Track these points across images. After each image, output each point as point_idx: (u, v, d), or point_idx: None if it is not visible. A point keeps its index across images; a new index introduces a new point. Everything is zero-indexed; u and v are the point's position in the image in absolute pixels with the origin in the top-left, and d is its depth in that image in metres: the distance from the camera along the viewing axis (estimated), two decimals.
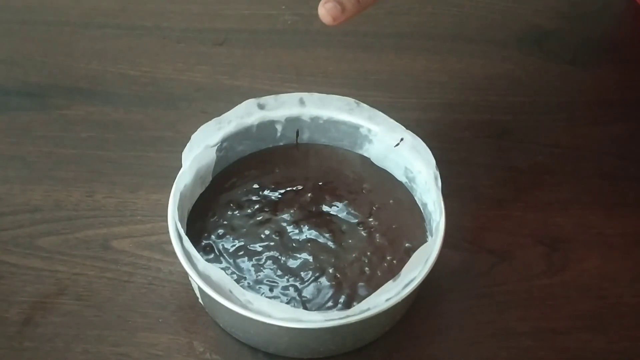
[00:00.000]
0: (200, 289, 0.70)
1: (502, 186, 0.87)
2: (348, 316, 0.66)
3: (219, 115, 0.78)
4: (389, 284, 0.67)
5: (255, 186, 0.79)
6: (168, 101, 0.94)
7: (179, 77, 0.97)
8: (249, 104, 0.78)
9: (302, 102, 0.80)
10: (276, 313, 0.66)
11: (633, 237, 0.82)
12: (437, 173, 0.75)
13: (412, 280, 0.69)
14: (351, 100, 0.79)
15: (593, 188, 0.86)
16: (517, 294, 0.78)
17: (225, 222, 0.76)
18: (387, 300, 0.67)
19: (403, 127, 0.78)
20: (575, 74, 0.97)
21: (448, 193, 0.74)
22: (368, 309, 0.67)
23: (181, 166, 0.75)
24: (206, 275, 0.68)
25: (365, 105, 0.80)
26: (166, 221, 0.72)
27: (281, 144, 0.82)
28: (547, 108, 0.94)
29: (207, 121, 0.77)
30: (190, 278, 0.71)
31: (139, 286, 0.78)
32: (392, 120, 0.79)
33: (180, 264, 0.70)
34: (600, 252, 0.81)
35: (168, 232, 0.71)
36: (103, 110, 0.93)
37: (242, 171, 0.80)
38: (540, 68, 0.98)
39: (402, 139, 0.78)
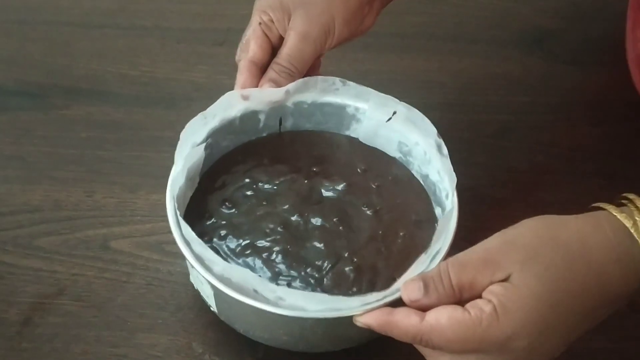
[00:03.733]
0: (216, 295, 0.68)
1: (502, 186, 0.87)
2: (386, 297, 0.64)
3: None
4: (421, 257, 0.66)
5: (247, 181, 0.76)
6: (168, 101, 0.94)
7: (179, 77, 0.97)
8: (232, 95, 0.76)
9: (286, 90, 0.76)
10: (312, 305, 0.64)
11: None
12: (441, 140, 0.74)
13: (438, 252, 0.68)
14: (336, 79, 0.78)
15: (593, 188, 0.86)
16: None
17: (224, 222, 0.73)
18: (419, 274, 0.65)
19: (396, 99, 0.77)
20: (576, 74, 0.97)
21: None
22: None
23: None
24: (226, 278, 0.65)
25: (352, 83, 0.78)
26: (165, 221, 0.71)
27: (264, 134, 0.79)
28: (547, 108, 0.94)
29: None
30: (198, 285, 0.70)
31: (138, 287, 0.78)
32: (382, 95, 0.77)
33: (180, 264, 0.69)
34: None
35: (167, 232, 0.71)
36: (103, 110, 0.93)
37: (230, 167, 0.77)
38: (541, 68, 0.98)
39: (394, 113, 0.77)
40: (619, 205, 0.63)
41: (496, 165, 0.89)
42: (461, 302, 0.60)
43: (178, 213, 0.69)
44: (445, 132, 0.90)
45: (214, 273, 0.66)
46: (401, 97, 0.93)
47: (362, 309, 0.63)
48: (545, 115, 0.93)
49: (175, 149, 0.76)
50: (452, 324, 0.59)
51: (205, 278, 0.66)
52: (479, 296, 0.60)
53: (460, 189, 0.83)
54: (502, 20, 1.03)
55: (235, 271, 0.65)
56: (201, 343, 0.75)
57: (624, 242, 0.61)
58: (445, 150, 0.74)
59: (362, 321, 0.63)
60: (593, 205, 0.65)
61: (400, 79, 0.96)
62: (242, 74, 0.75)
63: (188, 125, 0.73)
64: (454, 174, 0.72)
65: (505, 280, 0.59)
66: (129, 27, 1.02)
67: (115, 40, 1.01)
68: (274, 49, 0.76)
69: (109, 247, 0.81)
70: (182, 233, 0.68)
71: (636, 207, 0.62)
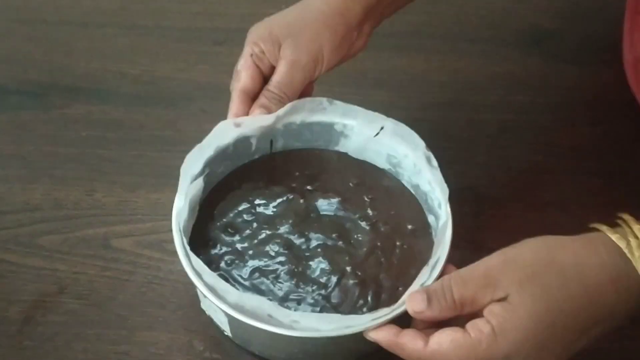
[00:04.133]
0: (231, 321, 0.69)
1: (502, 186, 0.87)
2: (394, 310, 0.66)
3: (219, 114, 0.78)
4: (424, 270, 0.69)
5: (246, 205, 0.77)
6: (168, 100, 0.94)
7: (179, 77, 0.97)
8: (226, 124, 0.77)
9: (277, 115, 0.77)
10: (326, 325, 0.66)
11: None
12: (429, 153, 0.76)
13: (437, 262, 0.69)
14: (323, 99, 0.79)
15: (592, 188, 0.86)
16: None
17: (229, 249, 0.74)
18: (421, 285, 0.68)
19: (383, 115, 0.78)
20: (575, 74, 0.97)
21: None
22: None
23: (179, 167, 0.74)
24: (240, 306, 0.67)
25: (338, 102, 0.79)
26: (166, 220, 0.72)
27: (256, 157, 0.80)
28: (547, 108, 0.94)
29: (207, 120, 0.77)
30: (211, 313, 0.71)
31: (139, 285, 0.78)
32: (370, 112, 0.79)
33: (180, 263, 0.70)
34: None
35: (168, 231, 0.71)
36: (103, 109, 0.93)
37: (226, 193, 0.78)
38: (540, 68, 0.98)
39: (382, 128, 0.78)
40: (613, 225, 0.66)
41: (495, 165, 0.89)
42: (462, 315, 0.64)
43: (187, 246, 0.70)
44: (444, 131, 0.91)
45: (228, 302, 0.67)
46: (400, 96, 0.94)
47: (373, 323, 0.66)
48: (545, 115, 0.93)
49: (175, 148, 0.77)
50: (454, 347, 0.62)
51: (219, 307, 0.67)
52: (479, 310, 0.63)
53: (460, 189, 0.84)
54: (501, 20, 1.03)
55: (249, 299, 0.66)
56: (202, 341, 0.75)
57: (619, 262, 0.63)
58: (434, 162, 0.75)
59: (373, 336, 0.66)
60: (590, 225, 0.67)
61: (400, 78, 0.96)
62: (234, 103, 0.77)
63: (187, 159, 0.74)
64: (445, 185, 0.74)
65: (504, 299, 0.62)
66: (130, 27, 1.02)
67: (116, 39, 1.01)
68: (265, 78, 0.78)
69: (110, 246, 0.81)
70: (192, 265, 0.69)
71: (630, 227, 0.65)
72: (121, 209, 0.84)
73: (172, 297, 0.77)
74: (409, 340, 0.64)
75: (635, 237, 0.64)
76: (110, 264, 0.80)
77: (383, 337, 0.65)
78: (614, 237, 0.64)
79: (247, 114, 0.76)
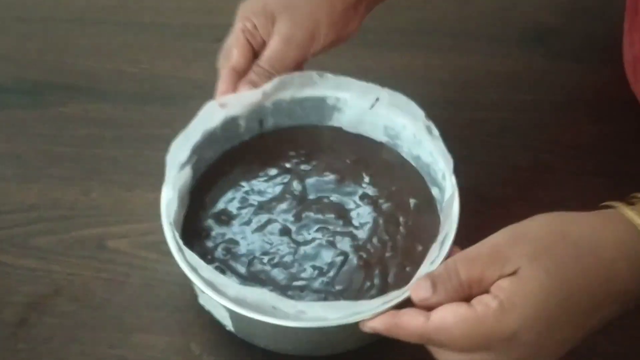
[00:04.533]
0: (233, 316, 0.67)
1: (503, 184, 0.86)
2: (404, 292, 0.64)
3: None
4: (433, 247, 0.67)
5: (238, 190, 0.75)
6: (166, 98, 0.94)
7: (177, 74, 0.96)
8: (211, 106, 0.75)
9: (264, 91, 0.76)
10: (333, 314, 0.63)
11: None
12: (430, 123, 0.74)
13: (446, 237, 0.68)
14: (313, 73, 0.77)
15: (595, 186, 0.86)
16: None
17: (224, 238, 0.73)
18: (431, 263, 0.66)
19: (378, 86, 0.77)
20: (577, 72, 0.97)
21: None
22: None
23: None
24: (241, 300, 0.65)
25: (329, 74, 0.77)
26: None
27: (246, 138, 0.78)
28: (549, 106, 0.94)
29: None
30: (210, 308, 0.69)
31: (136, 287, 0.78)
32: (363, 83, 0.77)
33: (177, 264, 0.69)
34: None
35: (164, 232, 0.70)
36: (100, 108, 0.93)
37: (217, 179, 0.76)
38: (542, 65, 0.98)
39: (377, 99, 0.77)
40: (629, 203, 0.64)
41: (497, 163, 0.88)
42: (470, 297, 0.60)
43: (179, 240, 0.68)
44: (445, 129, 0.89)
45: (229, 296, 0.65)
46: (402, 93, 0.93)
47: (383, 308, 0.63)
48: (547, 113, 0.93)
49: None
50: (458, 322, 0.59)
51: (219, 302, 0.65)
52: (488, 290, 0.60)
53: (461, 187, 0.83)
54: (503, 17, 1.03)
55: (251, 292, 0.64)
56: (199, 343, 0.74)
57: (633, 239, 0.61)
58: (435, 131, 0.74)
59: (370, 326, 0.63)
60: (604, 203, 0.65)
61: (401, 76, 0.96)
62: (223, 82, 0.74)
63: (172, 147, 0.72)
64: (448, 155, 0.72)
65: (513, 273, 0.59)
66: (127, 24, 1.02)
67: (113, 37, 1.01)
68: (256, 56, 0.76)
69: (106, 247, 0.80)
70: (186, 259, 0.67)
71: None
72: (117, 209, 0.83)
73: (169, 299, 0.77)
74: (409, 318, 0.61)
75: None
76: (106, 265, 0.79)
77: (381, 322, 0.62)
78: (630, 213, 0.62)
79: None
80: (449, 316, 0.59)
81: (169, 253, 0.70)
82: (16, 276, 0.78)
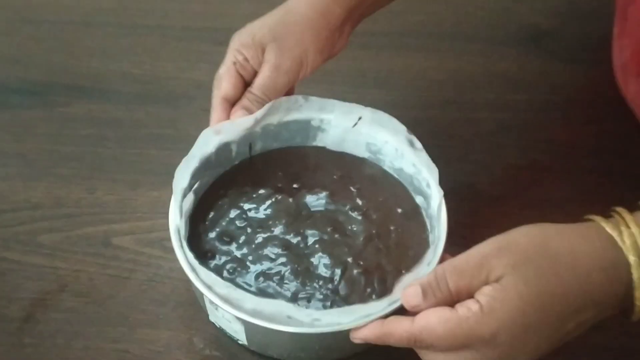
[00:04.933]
0: (248, 329, 0.69)
1: (500, 183, 0.87)
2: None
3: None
4: (428, 252, 0.70)
5: (236, 212, 0.77)
6: (169, 99, 0.94)
7: (180, 75, 0.97)
8: (207, 133, 0.76)
9: (255, 118, 0.78)
10: (347, 318, 0.66)
11: None
12: (412, 136, 0.77)
13: (439, 241, 0.71)
14: (299, 97, 0.80)
15: (590, 185, 0.87)
16: None
17: (228, 258, 0.74)
18: (428, 264, 0.69)
19: (361, 106, 0.79)
20: (572, 72, 0.98)
21: (446, 190, 0.74)
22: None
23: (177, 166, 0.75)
24: (258, 312, 0.67)
25: (314, 97, 0.80)
26: (166, 218, 0.72)
27: (236, 162, 0.81)
28: (545, 106, 0.94)
29: (207, 119, 0.78)
30: (222, 323, 0.71)
31: (140, 283, 0.79)
32: (347, 104, 0.80)
33: (179, 260, 0.70)
34: None
35: (168, 229, 0.72)
36: (104, 108, 0.93)
37: (214, 203, 0.78)
38: (538, 66, 0.99)
39: (360, 118, 0.79)
40: (607, 217, 0.66)
41: (493, 163, 0.89)
42: (456, 303, 0.64)
43: (194, 260, 0.69)
44: (443, 129, 0.91)
45: (246, 310, 0.67)
46: (399, 95, 0.94)
47: (390, 308, 0.67)
48: (542, 113, 0.93)
49: (176, 147, 0.77)
50: (441, 322, 0.62)
51: (235, 316, 0.68)
52: (472, 296, 0.63)
53: (458, 186, 0.84)
54: (499, 19, 1.04)
55: (267, 303, 0.66)
56: (202, 338, 0.75)
57: (610, 250, 0.64)
58: (418, 144, 0.77)
59: (360, 336, 0.66)
60: (584, 217, 0.67)
61: (398, 77, 0.97)
62: (216, 111, 0.77)
63: (176, 173, 0.73)
64: (433, 165, 0.75)
65: (497, 280, 0.62)
66: (131, 26, 1.03)
67: (117, 38, 1.01)
68: (247, 84, 0.78)
69: (110, 244, 0.81)
70: (201, 278, 0.69)
71: (622, 218, 0.65)
72: (122, 207, 0.84)
73: (172, 295, 0.78)
74: (396, 324, 0.64)
75: (627, 226, 0.64)
76: (110, 262, 0.80)
77: (370, 332, 0.66)
78: (607, 226, 0.65)
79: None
80: (433, 317, 0.62)
81: (172, 250, 0.71)
82: (22, 273, 0.79)
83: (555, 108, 0.94)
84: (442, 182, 0.75)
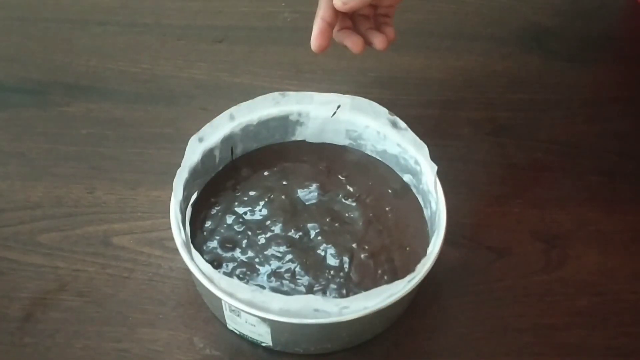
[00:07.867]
0: (275, 329, 0.69)
1: (501, 183, 0.87)
2: (424, 265, 0.69)
3: (219, 111, 0.78)
4: (436, 222, 0.72)
5: (232, 217, 0.77)
6: (168, 98, 0.94)
7: (179, 75, 0.97)
8: (192, 142, 0.76)
9: (231, 117, 0.78)
10: (373, 301, 0.67)
11: (631, 233, 0.83)
12: (395, 117, 0.78)
13: (440, 212, 0.73)
14: (276, 93, 0.80)
15: (591, 185, 0.87)
16: (515, 291, 0.78)
17: (235, 264, 0.74)
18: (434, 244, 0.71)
19: (339, 94, 0.80)
20: (574, 71, 0.98)
21: (446, 190, 0.75)
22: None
23: (179, 165, 0.75)
24: (285, 310, 0.67)
25: (291, 92, 0.80)
26: (166, 217, 0.72)
27: (220, 168, 0.81)
28: (546, 105, 0.94)
29: (206, 118, 0.78)
30: (245, 329, 0.71)
31: (140, 282, 0.78)
32: (324, 94, 0.80)
33: (180, 260, 0.70)
34: (598, 249, 0.82)
35: (167, 228, 0.71)
36: (103, 107, 0.93)
37: (207, 212, 0.78)
38: (539, 65, 0.98)
39: (338, 106, 0.80)
40: None
41: (495, 162, 0.89)
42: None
43: (213, 270, 0.69)
44: (444, 129, 0.91)
45: (273, 310, 0.67)
46: (400, 94, 0.94)
47: (410, 285, 0.68)
48: (544, 113, 0.93)
49: (175, 146, 0.77)
50: None
51: (262, 319, 0.68)
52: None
53: (459, 186, 0.84)
54: (501, 18, 1.04)
55: (295, 300, 0.66)
56: (202, 338, 0.75)
57: None
58: (402, 124, 0.78)
59: None
60: None
61: (400, 77, 0.96)
62: (315, 28, 0.77)
63: (173, 187, 0.73)
64: (420, 141, 0.77)
65: None
66: (130, 25, 1.03)
67: (116, 37, 1.01)
68: None
69: (110, 243, 0.81)
70: (221, 287, 0.68)
71: None
72: (121, 206, 0.84)
73: (173, 294, 0.78)
74: None
75: None
76: (110, 261, 0.80)
77: None
78: None
79: (327, 37, 0.77)
80: None
81: (172, 249, 0.71)
82: (22, 272, 0.79)
83: (557, 107, 0.94)
84: (442, 182, 0.75)
